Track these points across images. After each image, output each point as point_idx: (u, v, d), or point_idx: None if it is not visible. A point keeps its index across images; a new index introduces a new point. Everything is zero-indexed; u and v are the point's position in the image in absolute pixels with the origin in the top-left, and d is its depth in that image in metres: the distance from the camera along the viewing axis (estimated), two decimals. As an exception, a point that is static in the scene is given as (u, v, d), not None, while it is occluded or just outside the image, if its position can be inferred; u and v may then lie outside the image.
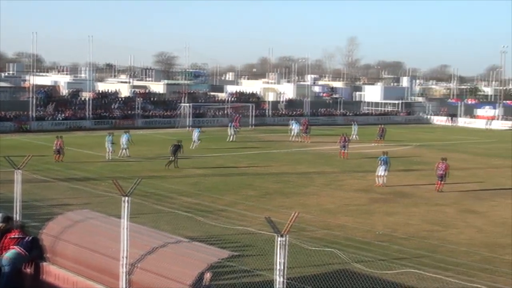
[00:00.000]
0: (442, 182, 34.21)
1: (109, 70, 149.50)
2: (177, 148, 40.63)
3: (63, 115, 71.29)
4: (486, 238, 23.90)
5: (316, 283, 16.35)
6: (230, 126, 60.24)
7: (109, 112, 75.41)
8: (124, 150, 44.56)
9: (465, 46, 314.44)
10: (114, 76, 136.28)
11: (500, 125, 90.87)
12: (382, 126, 62.77)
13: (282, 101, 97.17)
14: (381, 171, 35.74)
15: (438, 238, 23.62)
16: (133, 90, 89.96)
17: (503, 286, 17.65)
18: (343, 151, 48.03)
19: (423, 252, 21.31)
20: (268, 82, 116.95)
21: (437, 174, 34.51)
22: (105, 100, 79.31)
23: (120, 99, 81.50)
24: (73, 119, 71.07)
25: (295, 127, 61.68)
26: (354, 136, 61.27)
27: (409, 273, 17.57)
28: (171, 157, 40.32)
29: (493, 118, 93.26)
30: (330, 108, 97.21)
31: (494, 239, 23.70)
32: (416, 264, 19.32)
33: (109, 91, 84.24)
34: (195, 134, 52.67)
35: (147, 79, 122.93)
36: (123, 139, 44.78)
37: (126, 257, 14.08)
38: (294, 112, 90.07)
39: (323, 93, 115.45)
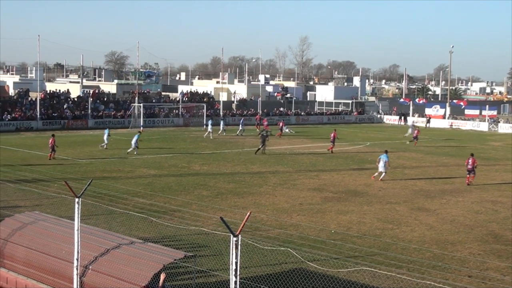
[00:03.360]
0: (472, 175, 36.98)
1: (59, 70, 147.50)
2: (265, 136, 49.43)
3: (10, 116, 69.61)
4: (437, 235, 24.28)
5: (271, 282, 16.38)
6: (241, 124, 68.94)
7: (59, 113, 74.20)
8: (136, 149, 47.01)
9: (414, 46, 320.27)
10: (66, 76, 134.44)
11: (447, 124, 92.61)
12: (418, 128, 65.92)
13: (235, 101, 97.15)
14: (380, 167, 37.65)
15: (391, 236, 23.91)
16: (84, 90, 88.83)
17: (453, 283, 17.95)
18: (331, 145, 52.01)
19: (376, 250, 21.55)
20: (220, 82, 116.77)
21: (467, 168, 37.23)
22: (55, 100, 78.00)
23: (70, 99, 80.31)
24: (22, 119, 69.57)
25: (241, 126, 68.71)
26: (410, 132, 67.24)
27: (363, 271, 17.80)
28: (260, 145, 48.61)
29: (431, 116, 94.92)
30: (283, 107, 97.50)
31: (445, 236, 24.10)
32: (369, 262, 19.52)
33: (59, 91, 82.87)
34: (221, 125, 66.81)
35: (98, 79, 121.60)
36: (134, 138, 47.42)
37: (79, 259, 13.90)
38: (249, 112, 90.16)
39: (276, 93, 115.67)
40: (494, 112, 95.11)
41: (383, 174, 37.69)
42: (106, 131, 50.79)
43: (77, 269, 13.90)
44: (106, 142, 49.88)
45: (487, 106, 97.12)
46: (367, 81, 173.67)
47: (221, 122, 67.87)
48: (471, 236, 24.23)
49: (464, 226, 25.94)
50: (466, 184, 36.65)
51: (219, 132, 65.48)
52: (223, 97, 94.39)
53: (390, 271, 18.12)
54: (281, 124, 68.20)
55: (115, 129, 68.91)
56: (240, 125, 68.63)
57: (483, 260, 20.86)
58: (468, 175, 37.20)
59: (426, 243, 22.93)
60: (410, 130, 68.74)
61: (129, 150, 46.88)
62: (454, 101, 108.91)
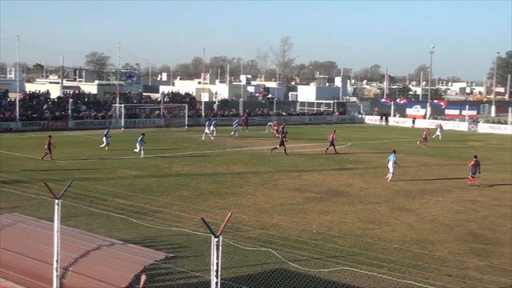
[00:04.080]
0: (475, 177, 37.27)
1: (39, 70, 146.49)
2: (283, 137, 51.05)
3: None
4: (417, 235, 24.42)
5: (252, 282, 16.38)
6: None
7: (39, 113, 73.65)
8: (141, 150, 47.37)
9: (396, 46, 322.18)
10: (46, 76, 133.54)
11: (427, 124, 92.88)
12: (427, 129, 66.51)
13: (217, 101, 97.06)
14: (390, 168, 38.05)
15: (372, 235, 24.00)
16: (64, 90, 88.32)
17: (434, 282, 18.04)
18: (329, 146, 52.43)
19: (357, 250, 21.62)
20: (202, 83, 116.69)
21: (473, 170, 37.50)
22: (35, 101, 77.40)
23: (50, 100, 79.73)
24: (0, 121, 68.67)
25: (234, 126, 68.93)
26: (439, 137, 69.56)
27: (344, 271, 17.87)
28: (281, 145, 50.13)
29: (415, 117, 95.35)
30: (265, 108, 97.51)
31: (425, 236, 24.24)
32: (350, 262, 19.57)
33: (39, 91, 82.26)
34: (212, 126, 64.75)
35: (79, 79, 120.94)
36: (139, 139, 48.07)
37: (59, 261, 13.81)
38: (230, 113, 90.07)
39: (258, 93, 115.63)
40: (474, 112, 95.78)
41: (390, 174, 37.89)
42: (105, 132, 51.13)
43: (56, 270, 13.81)
44: (105, 142, 49.92)
45: (467, 106, 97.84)
46: (348, 81, 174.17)
47: (212, 124, 66.79)
48: (451, 236, 24.40)
49: (444, 226, 26.11)
50: (478, 185, 36.83)
51: (210, 134, 64.60)
52: (205, 97, 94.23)
53: (371, 271, 18.20)
54: (282, 126, 67.08)
55: (96, 130, 68.51)
56: (234, 126, 68.41)
57: (462, 259, 21.02)
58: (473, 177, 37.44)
59: (407, 243, 23.06)
60: (438, 131, 70.42)
61: (135, 151, 47.00)
62: (435, 101, 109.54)
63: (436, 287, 17.48)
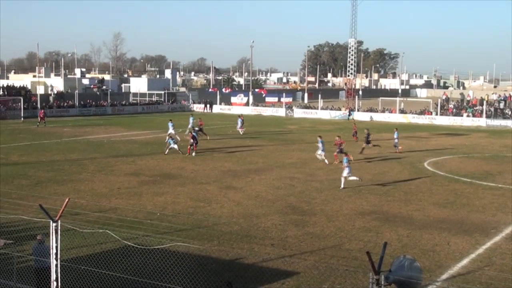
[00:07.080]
0: (339, 154, 38.34)
1: None
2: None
3: None
4: (243, 210, 24.99)
5: (91, 262, 16.01)
6: None
7: None
8: None
9: (219, 40, 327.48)
10: None
11: (250, 110, 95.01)
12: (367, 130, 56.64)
13: (52, 94, 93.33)
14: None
15: (203, 213, 24.24)
16: None
17: (258, 251, 18.57)
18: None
19: (189, 226, 21.73)
20: (37, 76, 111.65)
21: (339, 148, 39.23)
22: None
23: None
24: None
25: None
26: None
27: (177, 246, 17.93)
28: None
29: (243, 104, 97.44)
30: (100, 99, 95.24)
31: (250, 210, 24.86)
32: (184, 237, 19.67)
33: None
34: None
35: None
36: None
37: None
38: (66, 104, 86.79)
39: (92, 85, 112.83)
40: (290, 99, 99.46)
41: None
42: None
43: None
44: None
45: (284, 94, 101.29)
46: (177, 73, 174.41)
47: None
48: (273, 209, 25.21)
49: (267, 201, 26.92)
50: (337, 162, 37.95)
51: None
52: (40, 90, 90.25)
53: (202, 245, 18.42)
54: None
55: None
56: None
57: (283, 229, 21.81)
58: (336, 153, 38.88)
59: (234, 218, 23.53)
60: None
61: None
62: (256, 90, 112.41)
63: (261, 255, 18.05)
